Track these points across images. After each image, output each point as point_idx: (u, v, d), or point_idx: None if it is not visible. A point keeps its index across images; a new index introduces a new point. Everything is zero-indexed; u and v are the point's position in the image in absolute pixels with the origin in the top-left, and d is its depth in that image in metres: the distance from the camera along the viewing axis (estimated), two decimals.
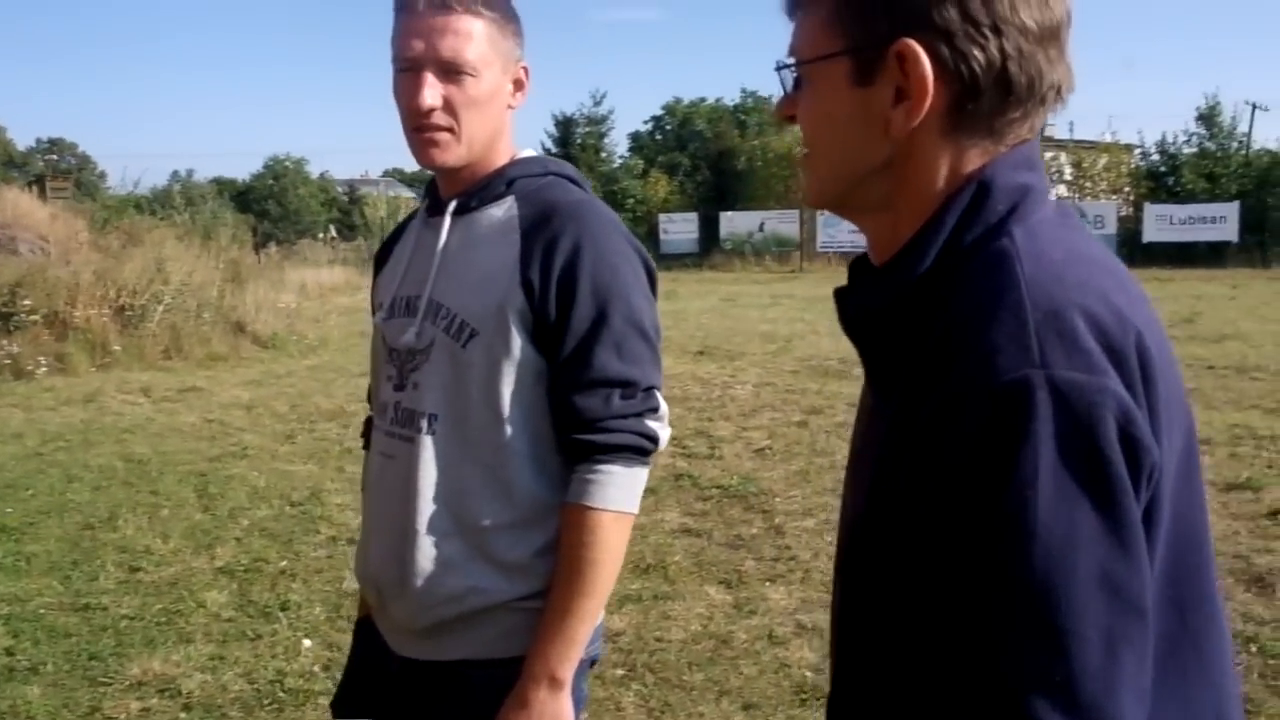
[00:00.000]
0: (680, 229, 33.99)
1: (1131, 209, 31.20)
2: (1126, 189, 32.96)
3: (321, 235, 40.78)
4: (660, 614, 4.56)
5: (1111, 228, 29.41)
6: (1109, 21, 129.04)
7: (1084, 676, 0.80)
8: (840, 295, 1.05)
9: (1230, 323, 13.91)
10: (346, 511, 6.07)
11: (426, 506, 1.66)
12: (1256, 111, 36.49)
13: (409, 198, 39.58)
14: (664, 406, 1.70)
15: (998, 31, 0.92)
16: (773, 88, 1.07)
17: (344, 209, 52.69)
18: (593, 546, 1.63)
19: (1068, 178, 35.56)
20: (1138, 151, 34.07)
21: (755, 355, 12.03)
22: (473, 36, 1.63)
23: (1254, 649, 3.99)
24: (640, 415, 1.65)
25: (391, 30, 1.66)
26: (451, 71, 1.62)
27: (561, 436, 1.65)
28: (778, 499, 6.23)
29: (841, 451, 7.23)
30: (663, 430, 1.69)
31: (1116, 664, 0.81)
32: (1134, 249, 28.62)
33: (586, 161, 36.05)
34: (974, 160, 0.97)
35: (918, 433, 0.87)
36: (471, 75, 1.63)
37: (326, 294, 21.02)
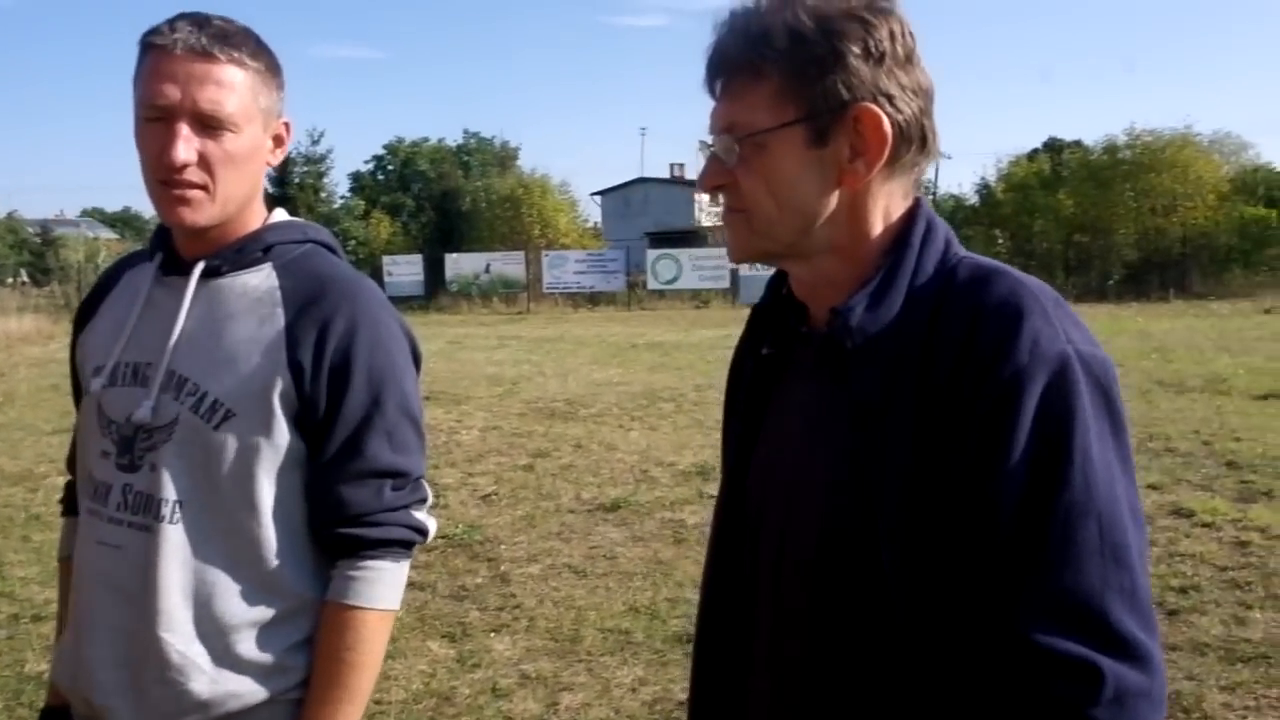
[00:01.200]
0: (405, 271, 33.49)
1: None
2: None
3: (10, 280, 37.64)
4: (380, 675, 4.39)
5: None
6: None
7: (1137, 583, 1.04)
8: (839, 319, 1.17)
9: None
10: (31, 586, 5.54)
11: (168, 605, 1.48)
12: (941, 159, 39.58)
13: (110, 239, 37.11)
14: (430, 494, 1.62)
15: (917, 94, 1.16)
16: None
17: (36, 251, 48.82)
18: (357, 649, 1.53)
19: None
20: None
21: (482, 398, 11.94)
22: (235, 88, 1.48)
23: None
24: (409, 507, 1.57)
25: (138, 68, 1.49)
26: (210, 126, 1.46)
27: (325, 529, 1.54)
28: (503, 546, 6.17)
29: (568, 494, 7.27)
30: (430, 521, 1.61)
31: (1147, 573, 1.06)
32: None
33: (305, 202, 34.95)
34: (900, 203, 1.21)
35: (984, 404, 1.06)
36: (232, 131, 1.48)
37: (15, 344, 19.35)
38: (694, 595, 4.98)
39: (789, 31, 1.12)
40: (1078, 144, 36.57)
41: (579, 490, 7.42)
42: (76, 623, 1.58)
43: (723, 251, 32.11)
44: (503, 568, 5.77)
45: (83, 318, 1.72)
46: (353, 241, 35.72)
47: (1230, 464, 7.49)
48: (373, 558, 1.54)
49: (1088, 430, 1.04)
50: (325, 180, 39.34)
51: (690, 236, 39.68)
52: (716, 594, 1.39)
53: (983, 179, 36.06)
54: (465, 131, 45.04)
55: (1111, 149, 33.00)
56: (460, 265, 33.57)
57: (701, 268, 31.41)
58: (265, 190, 1.67)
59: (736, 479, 1.36)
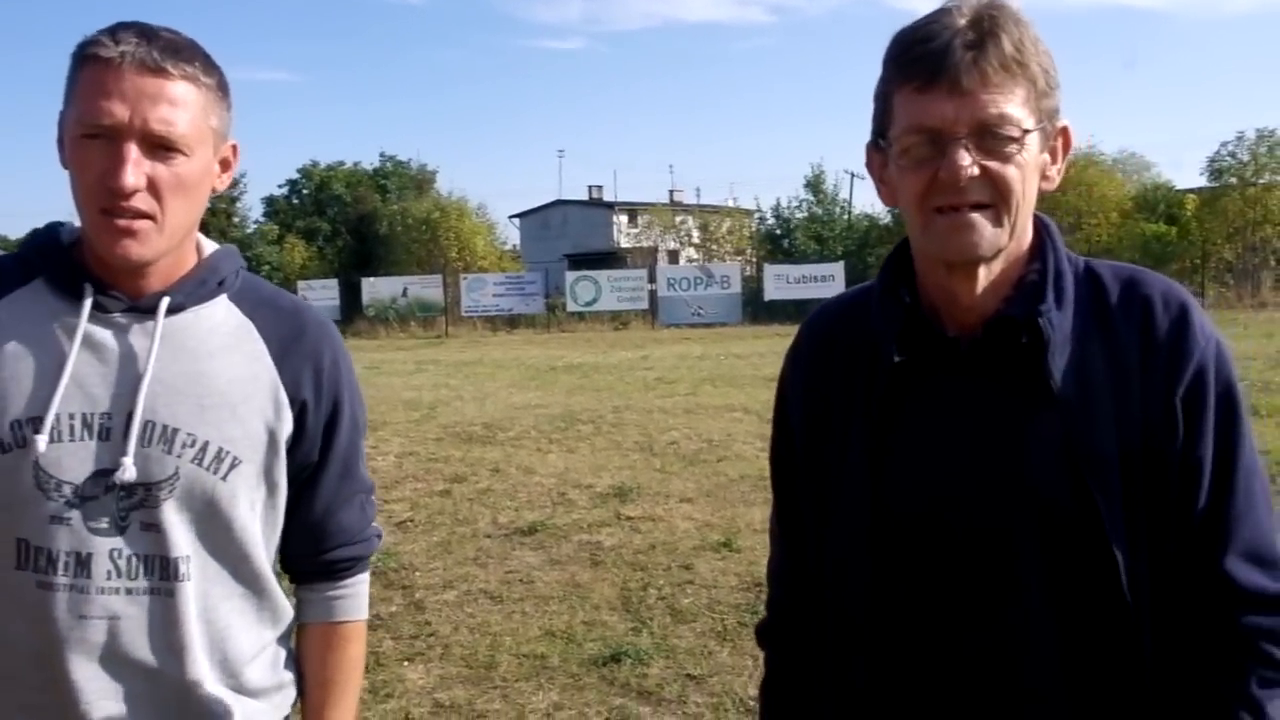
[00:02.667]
0: (320, 295, 33.10)
1: (753, 269, 33.55)
2: (749, 250, 35.43)
3: None
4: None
5: (737, 287, 31.50)
6: (734, 97, 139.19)
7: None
8: (1040, 318, 1.29)
9: None
10: None
11: (194, 659, 1.42)
12: (855, 180, 40.38)
13: None
14: None
15: None
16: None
17: None
18: (358, 659, 1.63)
19: (696, 240, 37.70)
20: (757, 216, 36.74)
21: (399, 424, 11.81)
22: (188, 107, 1.35)
23: None
24: (374, 519, 1.66)
25: (74, 81, 1.35)
26: (161, 148, 1.33)
27: (320, 553, 1.58)
28: (418, 573, 6.11)
29: (485, 519, 7.22)
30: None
31: None
32: (757, 307, 30.79)
33: (218, 227, 34.41)
34: None
35: (1181, 387, 1.27)
36: (184, 154, 1.35)
37: None
38: (611, 618, 4.97)
39: (1034, 44, 1.26)
40: None
41: (496, 514, 7.37)
42: (35, 708, 1.40)
43: (642, 273, 32.32)
44: (417, 595, 5.71)
45: None
46: (266, 267, 35.20)
47: None
48: (360, 571, 1.63)
49: (1241, 402, 1.30)
50: (238, 205, 38.77)
51: (609, 258, 39.81)
52: (877, 603, 1.37)
53: None
54: (382, 155, 44.63)
55: None
56: (377, 289, 33.33)
57: (620, 289, 31.54)
58: None
59: (862, 490, 1.37)
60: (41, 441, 1.35)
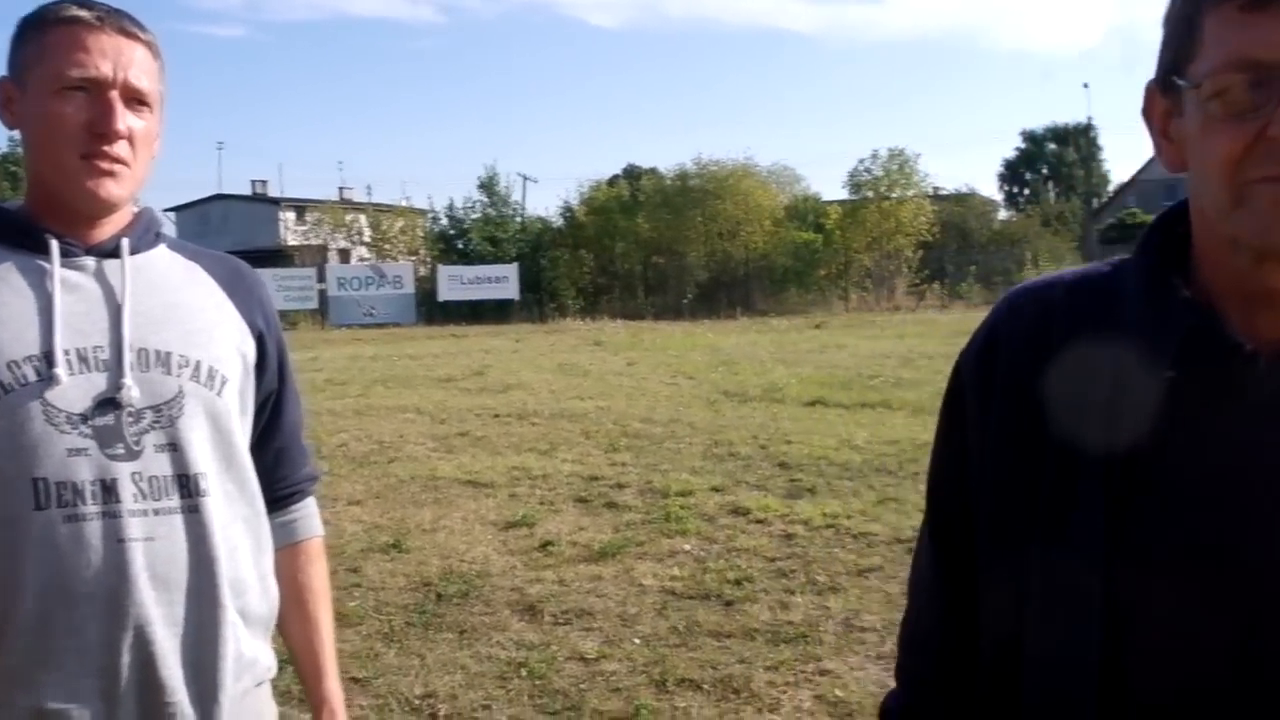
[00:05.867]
0: None
1: (427, 269, 33.25)
2: (422, 251, 35.07)
3: None
4: None
5: (410, 287, 31.08)
6: (405, 95, 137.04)
7: None
8: None
9: (514, 374, 15.32)
10: None
11: (219, 578, 1.48)
12: (527, 183, 40.91)
13: None
14: None
15: None
16: None
17: None
18: (327, 572, 1.78)
19: (368, 239, 36.91)
20: (430, 216, 36.44)
21: None
22: (150, 70, 1.49)
23: (524, 673, 4.39)
24: None
25: (39, 44, 1.45)
26: (137, 102, 1.47)
27: (289, 479, 1.71)
28: None
29: None
30: None
31: None
32: (431, 307, 30.53)
33: None
34: None
35: None
36: (150, 110, 1.49)
37: None
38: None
39: None
40: (653, 171, 38.93)
41: None
42: (108, 631, 1.40)
43: (310, 272, 31.23)
44: None
45: None
46: None
47: (782, 465, 8.26)
48: (312, 493, 1.78)
49: None
50: None
51: (275, 256, 38.14)
52: None
53: (566, 203, 37.54)
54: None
55: (683, 176, 35.50)
56: None
57: (288, 288, 30.29)
58: None
59: (1093, 564, 0.94)
60: (61, 373, 1.40)
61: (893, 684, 1.25)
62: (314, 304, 30.70)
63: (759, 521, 6.59)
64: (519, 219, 35.88)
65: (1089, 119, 76.65)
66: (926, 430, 9.65)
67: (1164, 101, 0.98)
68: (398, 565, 5.87)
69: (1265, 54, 0.85)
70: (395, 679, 4.37)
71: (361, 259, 35.36)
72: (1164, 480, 0.93)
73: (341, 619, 4.99)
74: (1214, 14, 0.89)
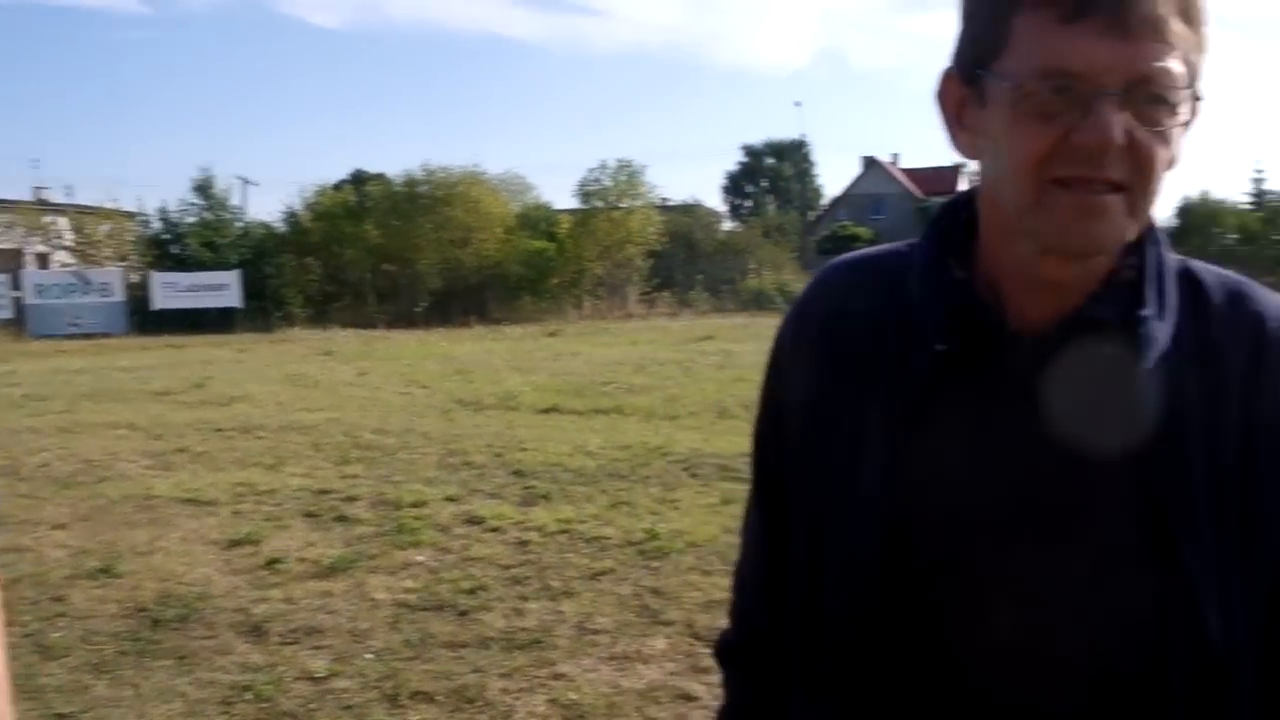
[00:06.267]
0: None
1: (139, 276, 31.28)
2: (132, 256, 32.95)
3: None
4: None
5: (120, 295, 29.18)
6: (109, 90, 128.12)
7: None
8: (1140, 325, 1.02)
9: (238, 385, 14.64)
10: None
11: None
12: (248, 186, 39.25)
13: None
14: None
15: None
16: None
17: None
18: None
19: (69, 243, 34.41)
20: (140, 219, 34.28)
21: None
22: None
23: (249, 696, 4.23)
24: None
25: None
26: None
27: None
28: None
29: None
30: None
31: None
32: (145, 317, 28.76)
33: None
34: None
35: None
36: None
37: None
38: None
39: None
40: (381, 177, 38.12)
41: None
42: None
43: (3, 279, 28.71)
44: None
45: None
46: None
47: (517, 472, 8.29)
48: None
49: None
50: None
51: None
52: (873, 644, 1.08)
53: (290, 208, 36.20)
54: None
55: (411, 183, 34.94)
56: None
57: None
58: None
59: (874, 507, 1.08)
60: None
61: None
62: (9, 313, 28.24)
63: (494, 530, 6.59)
64: (240, 223, 34.28)
65: (803, 135, 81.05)
66: (658, 434, 9.94)
67: (962, 90, 1.04)
68: (108, 591, 5.51)
69: (1077, 64, 0.93)
70: (106, 711, 4.10)
71: (63, 265, 32.84)
72: (936, 425, 1.06)
73: (44, 651, 4.64)
74: (1029, 18, 0.95)
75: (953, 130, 1.08)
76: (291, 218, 35.63)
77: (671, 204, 42.90)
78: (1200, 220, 44.68)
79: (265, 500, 7.47)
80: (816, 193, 70.44)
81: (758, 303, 32.88)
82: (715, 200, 69.50)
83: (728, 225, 54.35)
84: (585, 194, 36.61)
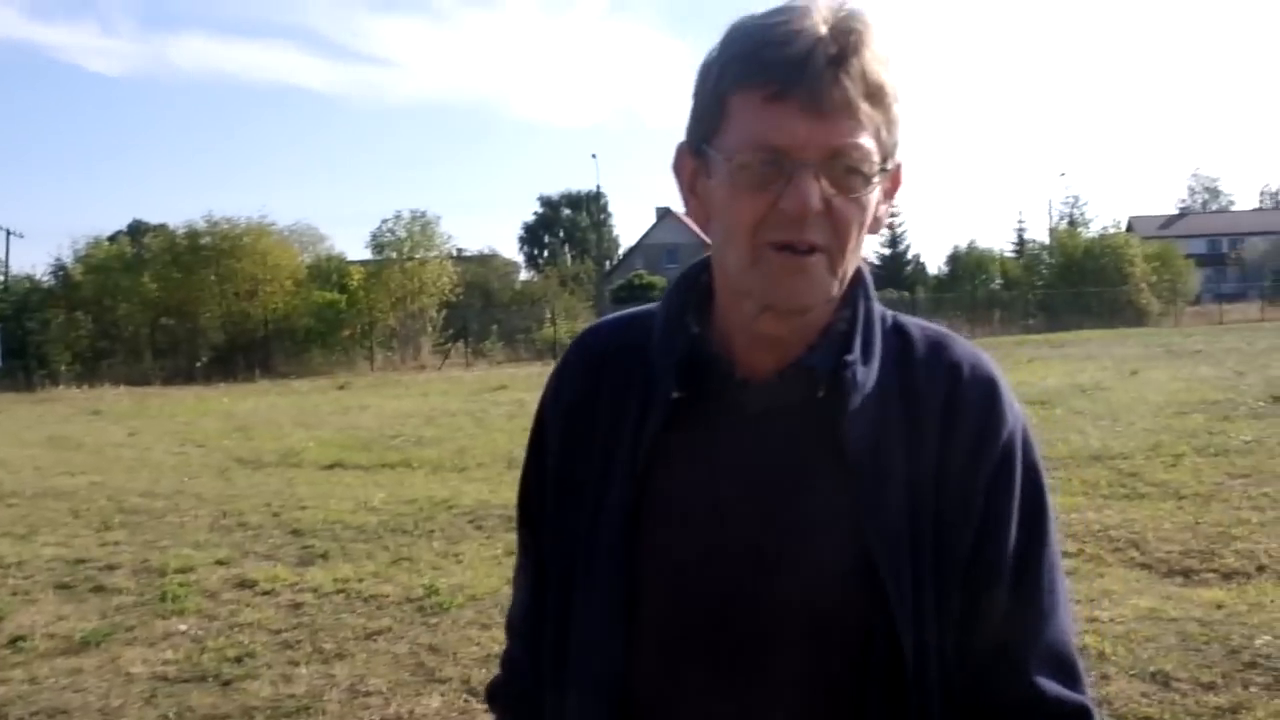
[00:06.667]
0: None
1: None
2: None
3: None
4: None
5: None
6: None
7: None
8: (845, 371, 1.13)
9: None
10: None
11: None
12: (11, 238, 36.93)
13: None
14: None
15: None
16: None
17: None
18: None
19: None
20: None
21: None
22: None
23: None
24: None
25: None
26: None
27: None
28: None
29: None
30: None
31: None
32: None
33: None
34: None
35: (988, 466, 1.14)
36: None
37: None
38: None
39: (894, 69, 1.10)
40: (163, 228, 36.43)
41: None
42: None
43: None
44: None
45: None
46: None
47: (295, 532, 7.97)
48: None
49: (1047, 491, 1.20)
50: None
51: None
52: (619, 677, 1.18)
53: (58, 260, 34.14)
54: None
55: (194, 234, 33.50)
56: None
57: None
58: None
59: (618, 545, 1.17)
60: None
61: None
62: None
63: (266, 593, 6.31)
64: (2, 278, 32.11)
65: (598, 187, 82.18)
66: (445, 487, 9.78)
67: (693, 162, 1.16)
68: None
69: (779, 139, 1.05)
70: None
71: None
72: (674, 466, 1.17)
73: None
74: (740, 99, 1.08)
75: (686, 198, 1.21)
76: (60, 270, 33.62)
77: (468, 254, 42.70)
78: (967, 268, 47.53)
79: (13, 573, 6.92)
80: (613, 243, 71.54)
81: (553, 352, 32.91)
82: (512, 251, 69.69)
83: (525, 275, 54.51)
84: (378, 245, 36.00)
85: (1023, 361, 22.05)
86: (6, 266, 33.36)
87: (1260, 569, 5.99)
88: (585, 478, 1.22)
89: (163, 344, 32.32)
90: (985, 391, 1.17)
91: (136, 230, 38.65)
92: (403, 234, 35.77)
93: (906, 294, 47.40)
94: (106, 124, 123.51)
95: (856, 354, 1.14)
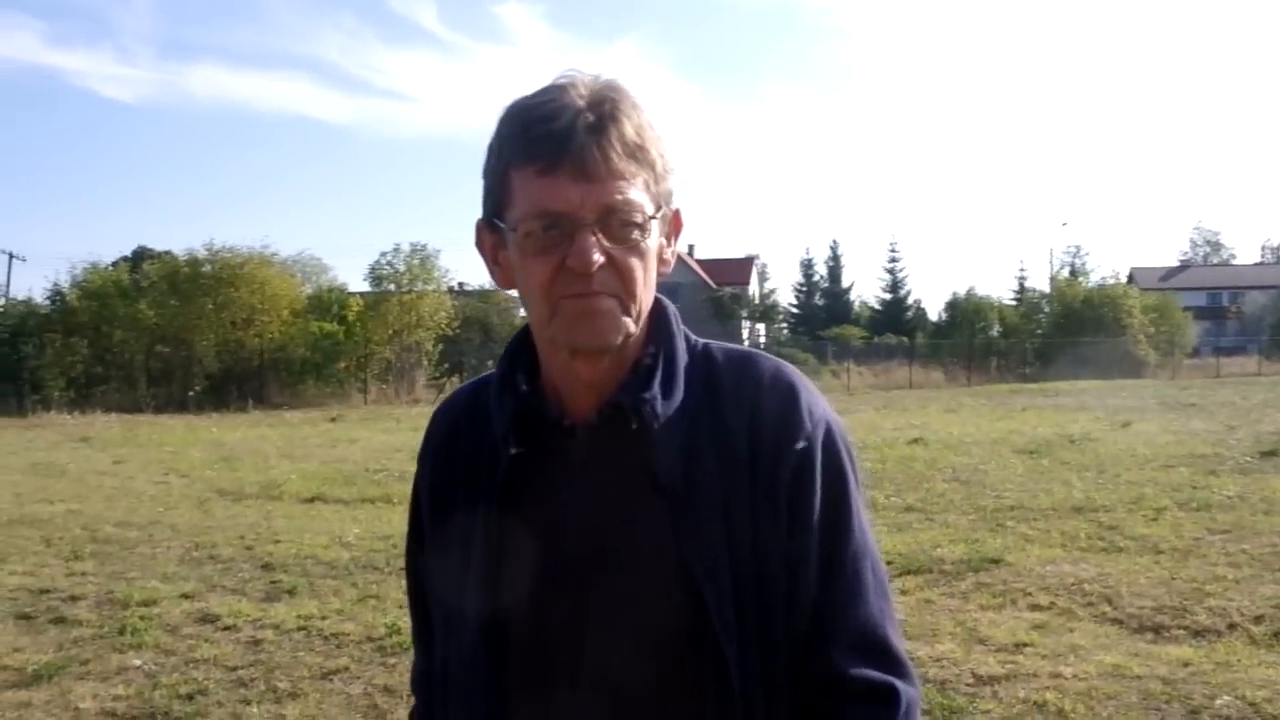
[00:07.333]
0: None
1: None
2: None
3: None
4: None
5: None
6: None
7: (895, 609, 1.31)
8: (643, 406, 1.23)
9: None
10: None
11: None
12: (14, 260, 36.98)
13: None
14: None
15: None
16: None
17: None
18: None
19: None
20: None
21: None
22: None
23: None
24: None
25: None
26: None
27: None
28: None
29: None
30: None
31: None
32: None
33: None
34: None
35: (787, 473, 1.24)
36: None
37: None
38: None
39: (652, 129, 1.22)
40: (166, 254, 36.47)
41: None
42: None
43: None
44: None
45: None
46: None
47: (266, 566, 7.90)
48: None
49: (852, 485, 1.28)
50: None
51: None
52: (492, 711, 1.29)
53: (56, 285, 34.16)
54: None
55: (194, 262, 33.53)
56: None
57: None
58: None
59: (481, 595, 1.27)
60: None
61: None
62: None
63: (228, 628, 6.23)
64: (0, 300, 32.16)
65: None
66: None
67: (490, 236, 1.28)
68: None
69: (555, 205, 1.17)
70: None
71: None
72: (524, 514, 1.26)
73: None
74: (518, 174, 1.19)
75: (491, 269, 1.31)
76: (56, 296, 33.66)
77: (469, 288, 42.71)
78: (966, 314, 47.52)
79: None
80: None
81: None
82: None
83: (524, 312, 54.40)
84: (377, 277, 36.01)
85: (1016, 410, 22.00)
86: (7, 290, 33.30)
87: (1231, 627, 5.92)
88: (455, 542, 1.31)
89: (157, 372, 32.29)
90: (784, 398, 1.27)
91: (141, 256, 38.63)
92: (401, 267, 35.80)
93: (905, 339, 47.41)
94: (119, 150, 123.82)
95: (656, 389, 1.24)
